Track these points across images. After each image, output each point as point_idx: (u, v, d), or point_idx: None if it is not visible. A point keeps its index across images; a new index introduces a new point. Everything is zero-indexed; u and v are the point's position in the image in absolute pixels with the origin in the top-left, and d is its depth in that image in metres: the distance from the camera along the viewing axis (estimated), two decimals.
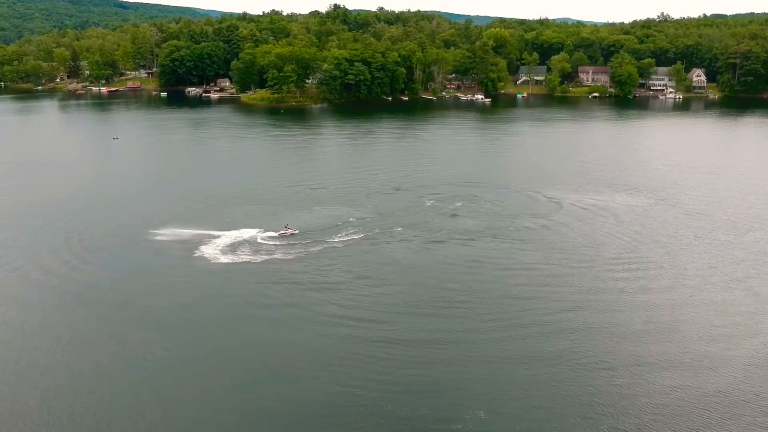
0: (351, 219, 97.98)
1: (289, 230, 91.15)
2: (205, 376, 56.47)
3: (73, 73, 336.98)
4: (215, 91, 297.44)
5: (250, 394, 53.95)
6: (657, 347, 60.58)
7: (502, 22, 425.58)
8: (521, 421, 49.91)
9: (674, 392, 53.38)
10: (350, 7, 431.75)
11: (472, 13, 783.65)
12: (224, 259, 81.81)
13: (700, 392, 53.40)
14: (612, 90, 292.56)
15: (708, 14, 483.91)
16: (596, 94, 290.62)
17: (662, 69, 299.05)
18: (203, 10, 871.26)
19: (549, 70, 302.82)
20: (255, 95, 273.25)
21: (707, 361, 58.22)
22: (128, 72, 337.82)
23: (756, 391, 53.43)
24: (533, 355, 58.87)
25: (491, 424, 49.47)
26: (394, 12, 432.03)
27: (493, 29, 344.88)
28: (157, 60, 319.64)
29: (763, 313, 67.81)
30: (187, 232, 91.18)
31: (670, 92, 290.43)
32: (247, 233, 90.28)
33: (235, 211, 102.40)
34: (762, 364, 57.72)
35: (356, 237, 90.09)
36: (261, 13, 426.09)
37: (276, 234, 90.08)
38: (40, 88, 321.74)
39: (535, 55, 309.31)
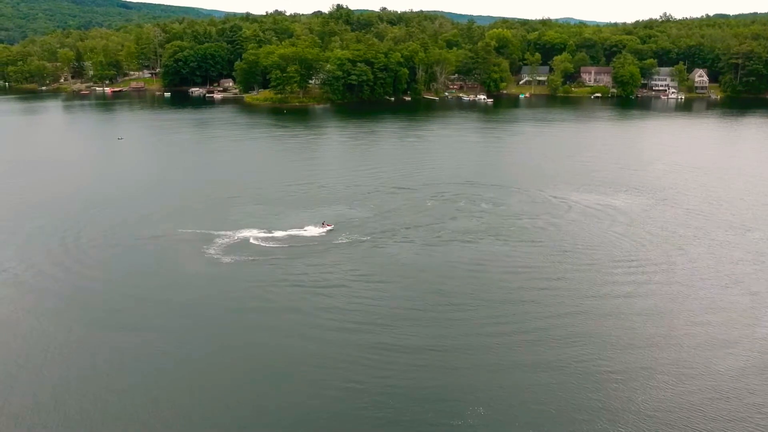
0: (353, 219, 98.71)
1: (327, 227, 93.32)
2: (204, 378, 56.76)
3: (77, 73, 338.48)
4: (219, 91, 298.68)
5: (250, 395, 54.38)
6: (656, 348, 61.24)
7: (505, 22, 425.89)
8: (521, 420, 50.60)
9: (672, 392, 54.01)
10: (353, 7, 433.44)
11: (475, 13, 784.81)
12: (226, 259, 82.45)
13: (697, 393, 54.03)
14: (614, 90, 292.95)
15: (711, 14, 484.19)
16: (598, 95, 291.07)
17: (664, 69, 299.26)
18: (206, 9, 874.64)
19: (551, 70, 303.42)
20: (258, 95, 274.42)
21: (704, 362, 58.87)
22: (132, 72, 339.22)
23: (751, 389, 54.17)
24: (533, 357, 59.52)
25: (491, 423, 50.18)
26: (396, 12, 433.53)
27: (495, 29, 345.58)
28: (160, 60, 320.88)
29: (761, 314, 68.45)
30: (189, 232, 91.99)
31: (672, 92, 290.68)
32: (249, 233, 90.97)
33: (238, 211, 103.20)
34: (758, 364, 58.45)
35: (358, 237, 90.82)
36: (264, 13, 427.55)
37: (315, 229, 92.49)
38: (44, 88, 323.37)
39: (538, 55, 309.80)
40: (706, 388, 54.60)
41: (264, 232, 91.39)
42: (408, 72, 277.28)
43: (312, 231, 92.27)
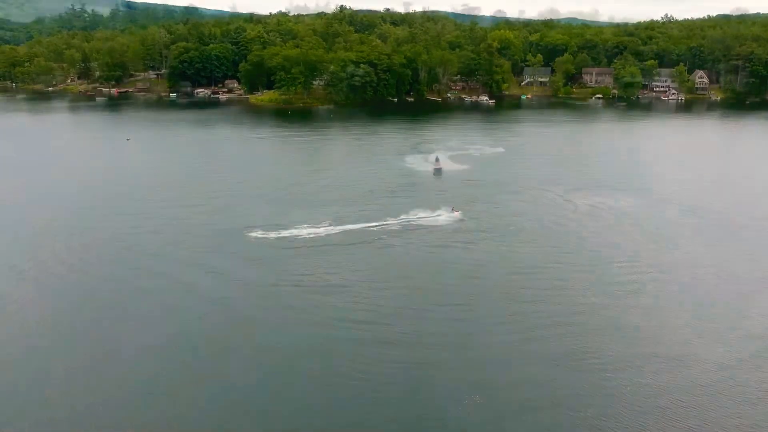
0: (355, 219, 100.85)
1: (456, 213, 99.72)
2: (205, 378, 58.24)
3: (84, 74, 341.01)
4: (224, 92, 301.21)
5: (253, 392, 56.26)
6: (648, 344, 64.15)
7: (507, 23, 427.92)
8: (516, 409, 53.61)
9: (662, 385, 56.79)
10: (356, 8, 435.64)
11: (478, 13, 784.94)
12: (228, 258, 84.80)
13: (687, 387, 56.89)
14: (615, 91, 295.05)
15: (713, 15, 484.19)
16: (600, 96, 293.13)
17: (665, 70, 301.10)
18: (210, 10, 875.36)
19: (553, 71, 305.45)
20: (263, 96, 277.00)
21: (693, 358, 61.71)
22: (138, 73, 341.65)
23: (739, 384, 57.13)
24: (530, 353, 62.20)
25: (488, 411, 53.05)
26: (399, 13, 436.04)
27: (497, 31, 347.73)
28: (166, 61, 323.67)
29: (749, 312, 71.24)
30: (191, 232, 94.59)
31: (673, 94, 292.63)
32: (252, 233, 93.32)
33: (241, 210, 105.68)
34: (744, 358, 61.36)
35: (360, 237, 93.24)
36: (268, 14, 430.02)
37: (445, 214, 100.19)
38: (51, 89, 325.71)
39: (539, 56, 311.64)
40: (695, 383, 57.32)
41: (271, 231, 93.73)
42: (411, 73, 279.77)
43: (442, 217, 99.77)
